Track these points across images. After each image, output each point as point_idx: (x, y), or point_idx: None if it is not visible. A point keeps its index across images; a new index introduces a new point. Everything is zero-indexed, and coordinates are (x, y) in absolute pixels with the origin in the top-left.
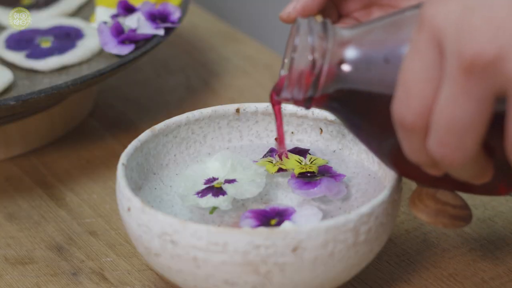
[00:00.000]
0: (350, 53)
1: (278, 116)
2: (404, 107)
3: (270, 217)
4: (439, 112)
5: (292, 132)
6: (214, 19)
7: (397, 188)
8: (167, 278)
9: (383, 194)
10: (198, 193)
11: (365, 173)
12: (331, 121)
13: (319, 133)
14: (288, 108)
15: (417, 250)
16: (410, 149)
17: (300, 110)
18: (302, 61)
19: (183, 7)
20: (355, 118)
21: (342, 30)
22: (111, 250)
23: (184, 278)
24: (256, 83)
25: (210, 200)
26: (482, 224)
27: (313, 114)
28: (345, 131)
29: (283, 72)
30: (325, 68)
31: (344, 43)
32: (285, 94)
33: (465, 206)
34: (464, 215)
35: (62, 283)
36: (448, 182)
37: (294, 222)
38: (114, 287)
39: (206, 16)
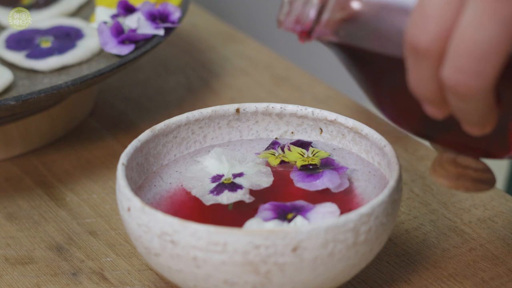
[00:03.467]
0: None
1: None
2: (420, 31)
3: (288, 211)
4: (460, 35)
5: (292, 132)
6: (214, 19)
7: (397, 188)
8: (167, 278)
9: (383, 194)
10: (211, 191)
11: (365, 170)
12: (331, 121)
13: (319, 133)
14: (288, 108)
15: (417, 250)
16: (418, 78)
17: (300, 110)
18: None
19: (183, 7)
20: (363, 53)
21: None
22: (111, 250)
23: (184, 278)
24: (256, 83)
25: (230, 196)
26: (482, 224)
27: (313, 114)
28: (345, 131)
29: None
30: None
31: None
32: (292, 13)
33: (487, 170)
34: (486, 178)
35: (62, 283)
36: (454, 137)
37: (307, 219)
38: (114, 287)
39: (206, 16)
